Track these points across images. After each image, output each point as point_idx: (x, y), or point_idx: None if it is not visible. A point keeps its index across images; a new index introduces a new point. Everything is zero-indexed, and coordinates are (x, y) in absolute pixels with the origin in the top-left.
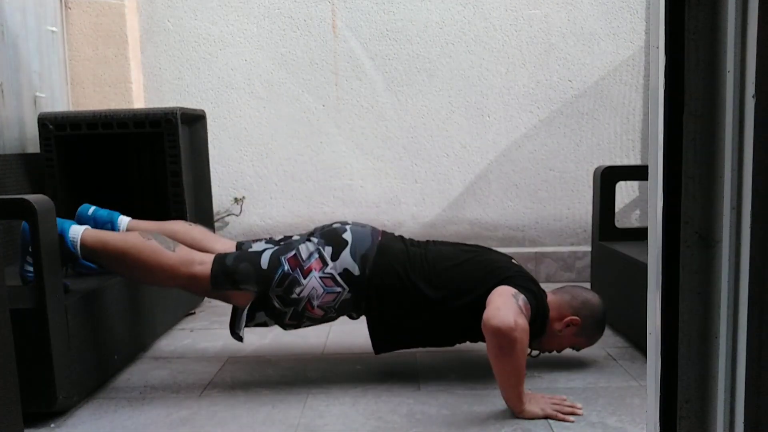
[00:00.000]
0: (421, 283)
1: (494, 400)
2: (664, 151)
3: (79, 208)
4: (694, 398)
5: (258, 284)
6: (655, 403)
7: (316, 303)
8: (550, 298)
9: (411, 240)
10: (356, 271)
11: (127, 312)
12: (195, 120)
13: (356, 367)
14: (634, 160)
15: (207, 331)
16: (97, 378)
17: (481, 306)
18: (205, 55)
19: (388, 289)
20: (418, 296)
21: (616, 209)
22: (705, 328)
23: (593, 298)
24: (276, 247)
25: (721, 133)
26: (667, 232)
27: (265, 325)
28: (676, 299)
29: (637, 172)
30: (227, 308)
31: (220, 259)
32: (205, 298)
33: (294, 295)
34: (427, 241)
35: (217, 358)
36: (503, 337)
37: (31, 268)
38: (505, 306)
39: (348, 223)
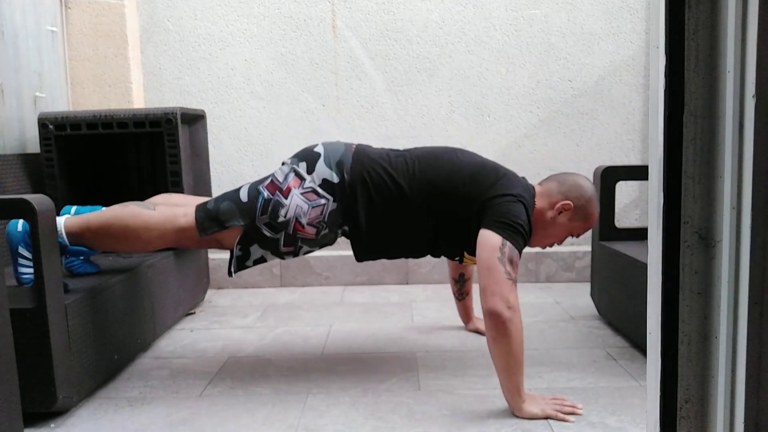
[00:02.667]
0: (402, 181)
1: (494, 400)
2: (664, 151)
3: (61, 211)
4: (694, 398)
5: (243, 217)
6: (655, 403)
7: (304, 221)
8: (538, 189)
9: (393, 148)
10: (335, 178)
11: (127, 312)
12: (195, 120)
13: (356, 367)
14: (634, 160)
15: (207, 331)
16: (97, 378)
17: (464, 213)
18: (205, 55)
19: (370, 188)
20: (399, 195)
21: (616, 209)
22: (705, 328)
23: (581, 179)
24: (252, 181)
25: (721, 133)
26: (667, 232)
27: (263, 260)
28: (676, 299)
29: (637, 172)
30: (227, 308)
31: (200, 206)
32: (206, 298)
33: (281, 218)
34: (414, 147)
35: (217, 358)
36: (496, 318)
37: (24, 270)
38: (495, 284)
39: (319, 142)
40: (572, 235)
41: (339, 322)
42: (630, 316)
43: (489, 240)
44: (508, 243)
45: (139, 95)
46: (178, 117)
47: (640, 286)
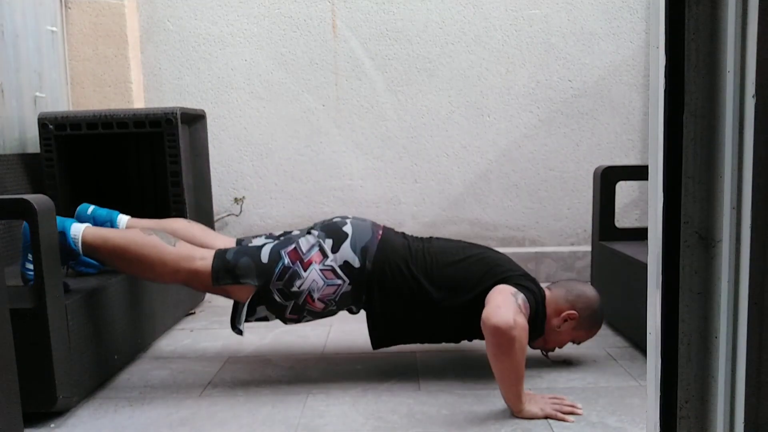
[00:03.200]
0: (422, 277)
1: (494, 400)
2: (664, 151)
3: (78, 208)
4: (694, 398)
5: (259, 278)
6: (655, 403)
7: (316, 296)
8: (546, 294)
9: (412, 236)
10: (356, 263)
11: (127, 312)
12: (195, 120)
13: (356, 367)
14: (634, 160)
15: (207, 331)
16: (97, 378)
17: (481, 304)
18: (205, 55)
19: (389, 282)
20: (419, 291)
21: (616, 209)
22: (705, 328)
23: (588, 289)
24: (276, 242)
25: (721, 133)
26: (667, 232)
27: (266, 319)
28: (676, 299)
29: (637, 172)
30: (227, 308)
31: (220, 254)
32: (206, 298)
33: (294, 288)
34: (430, 237)
35: (217, 358)
36: (502, 335)
37: (31, 267)
38: (504, 304)
39: (348, 217)
40: (574, 342)
41: (339, 322)
42: (630, 316)
43: (501, 287)
44: (521, 294)
45: (139, 95)
46: (178, 117)
47: (640, 286)
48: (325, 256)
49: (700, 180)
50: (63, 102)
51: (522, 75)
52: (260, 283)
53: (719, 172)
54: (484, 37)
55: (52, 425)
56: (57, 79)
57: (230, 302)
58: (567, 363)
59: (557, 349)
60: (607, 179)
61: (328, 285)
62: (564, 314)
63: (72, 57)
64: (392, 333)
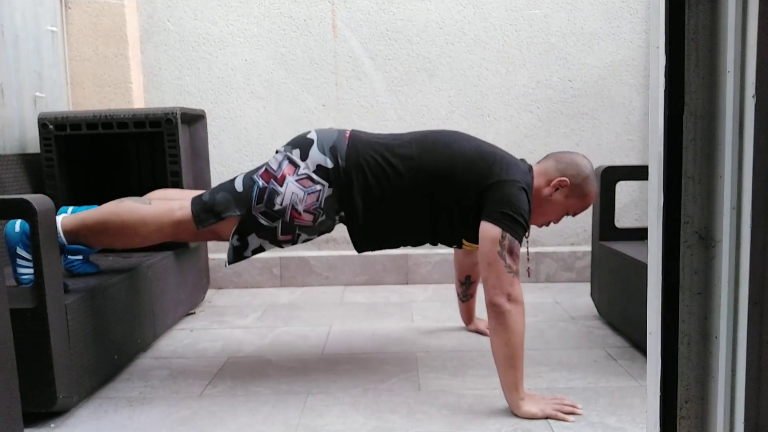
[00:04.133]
0: (401, 164)
1: (494, 400)
2: (664, 151)
3: (58, 211)
4: (694, 398)
5: (239, 207)
6: (655, 403)
7: (301, 208)
8: (535, 168)
9: (384, 133)
10: (329, 163)
11: (127, 312)
12: (195, 120)
13: (356, 367)
14: (634, 160)
15: (207, 331)
16: (97, 378)
17: (471, 205)
18: (205, 55)
19: (367, 173)
20: (398, 180)
21: (616, 209)
22: (705, 328)
23: (578, 157)
24: (247, 171)
25: (721, 133)
26: (667, 232)
27: (261, 249)
28: (676, 299)
29: (637, 172)
30: (227, 308)
31: (196, 198)
32: (206, 298)
33: (277, 206)
34: (401, 133)
35: (217, 358)
36: (496, 309)
37: (23, 270)
38: (497, 282)
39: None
40: (569, 214)
41: (339, 322)
42: (630, 316)
43: (488, 233)
44: (507, 235)
45: (139, 95)
46: (178, 117)
47: (640, 286)
48: (296, 166)
49: (700, 180)
50: (63, 102)
51: (522, 75)
52: (242, 211)
53: (719, 172)
54: (484, 37)
55: (52, 425)
56: (57, 79)
57: (230, 302)
58: (567, 366)
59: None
60: (607, 179)
61: (308, 194)
62: (554, 182)
63: (72, 57)
64: (373, 230)
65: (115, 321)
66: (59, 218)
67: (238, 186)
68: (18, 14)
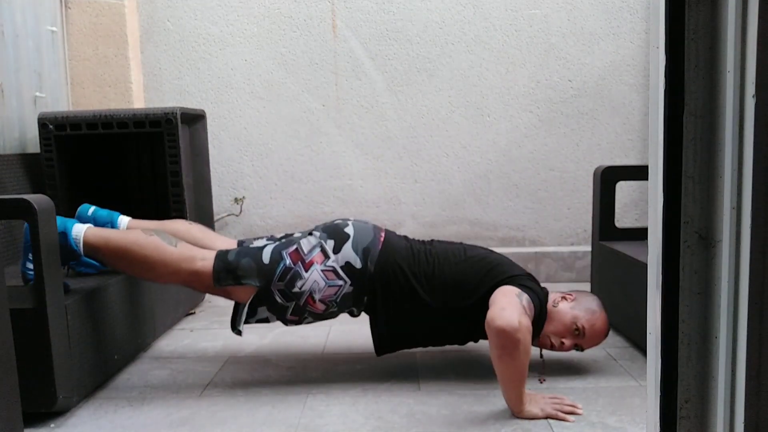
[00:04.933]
0: (424, 279)
1: (494, 400)
2: (664, 151)
3: (79, 208)
4: (694, 398)
5: (260, 279)
6: (655, 403)
7: (317, 297)
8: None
9: (414, 239)
10: (358, 264)
11: (127, 312)
12: (195, 120)
13: (356, 367)
14: (634, 160)
15: (207, 331)
16: (97, 378)
17: (484, 306)
18: (205, 55)
19: (392, 284)
20: (421, 293)
21: (616, 209)
22: (705, 328)
23: (594, 302)
24: (277, 243)
25: (721, 133)
26: (667, 232)
27: (266, 321)
28: (676, 299)
29: (637, 172)
30: (227, 308)
31: (222, 255)
32: (206, 298)
33: (296, 289)
34: (431, 240)
35: (217, 358)
36: (506, 337)
37: (31, 266)
38: (509, 306)
39: (350, 219)
40: (576, 330)
41: (339, 322)
42: (630, 316)
43: (506, 289)
44: (525, 295)
45: (139, 95)
46: (178, 117)
47: (640, 286)
48: (326, 256)
49: (700, 180)
50: (63, 102)
51: (522, 75)
52: (261, 283)
53: (719, 172)
54: (484, 37)
55: (52, 425)
56: (57, 79)
57: (230, 302)
58: (567, 366)
59: (556, 352)
60: (607, 179)
61: (329, 286)
62: (560, 296)
63: (72, 57)
64: (395, 338)
65: (115, 321)
66: (83, 228)
67: (266, 258)
68: (18, 14)
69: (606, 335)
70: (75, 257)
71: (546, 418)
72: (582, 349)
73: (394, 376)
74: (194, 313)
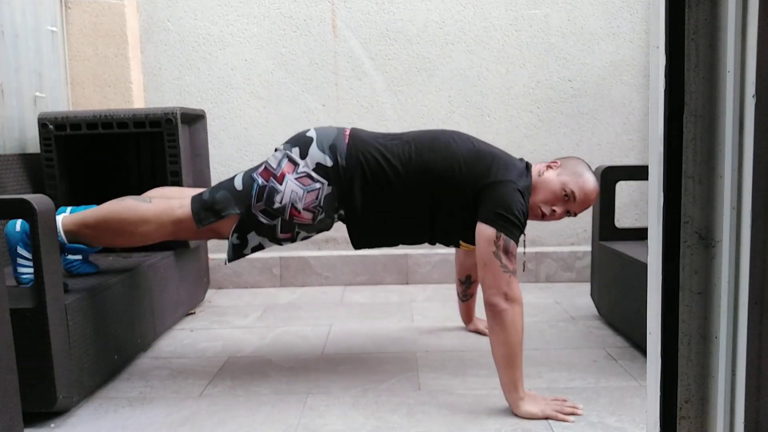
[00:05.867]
0: (399, 163)
1: (494, 401)
2: (664, 151)
3: (57, 212)
4: (694, 398)
5: (239, 205)
6: (655, 403)
7: (300, 206)
8: (534, 169)
9: (382, 132)
10: (328, 162)
11: (127, 312)
12: (195, 120)
13: (356, 367)
14: (634, 160)
15: (207, 331)
16: (97, 378)
17: (470, 205)
18: (205, 55)
19: (367, 173)
20: (396, 180)
21: (616, 209)
22: (705, 328)
23: (581, 166)
24: (246, 170)
25: (721, 133)
26: (667, 232)
27: (261, 247)
28: (676, 299)
29: (637, 172)
30: (227, 308)
31: (196, 196)
32: (206, 298)
33: (276, 204)
34: (401, 132)
35: (217, 358)
36: (494, 308)
37: (23, 270)
38: (492, 278)
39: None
40: (566, 195)
41: (339, 322)
42: (630, 316)
43: (483, 234)
44: (502, 235)
45: (139, 95)
46: (178, 117)
47: (640, 286)
48: (295, 164)
49: (700, 180)
50: (63, 102)
51: (522, 75)
52: (242, 210)
53: (719, 172)
54: (484, 37)
55: (52, 425)
56: (57, 79)
57: (230, 302)
58: (567, 365)
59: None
60: (607, 179)
61: (307, 192)
62: (545, 165)
63: (72, 57)
64: (371, 228)
65: (115, 321)
66: (59, 217)
67: (238, 184)
68: (18, 14)
69: (596, 196)
70: (60, 248)
71: (546, 418)
72: (575, 214)
73: (394, 376)
74: (194, 313)
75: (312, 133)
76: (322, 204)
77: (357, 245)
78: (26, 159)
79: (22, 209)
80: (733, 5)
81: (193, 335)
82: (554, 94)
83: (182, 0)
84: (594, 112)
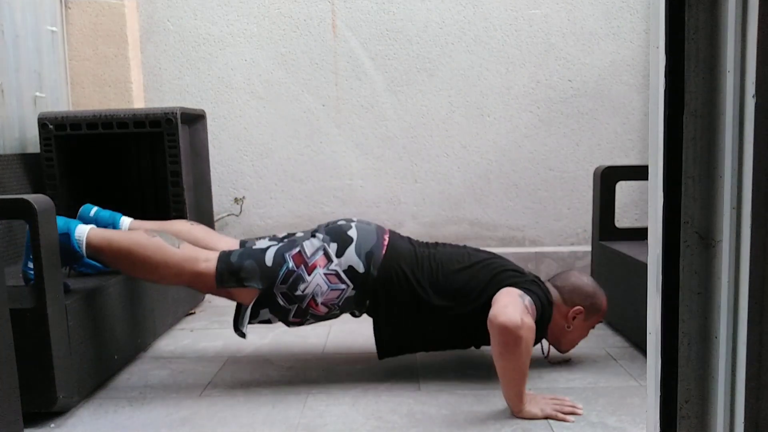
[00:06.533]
0: (428, 284)
1: (494, 400)
2: (664, 151)
3: (81, 209)
4: (694, 398)
5: (263, 281)
6: (655, 403)
7: (320, 300)
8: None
9: (418, 241)
10: (361, 268)
11: (127, 312)
12: (195, 120)
13: (356, 367)
14: (634, 160)
15: (207, 331)
16: (97, 378)
17: (487, 311)
18: (205, 55)
19: (395, 289)
20: (424, 298)
21: (616, 209)
22: (705, 328)
23: (574, 278)
24: (280, 244)
25: (721, 133)
26: (667, 232)
27: (268, 322)
28: (676, 299)
29: (637, 172)
30: (227, 308)
31: (224, 256)
32: (206, 298)
33: (298, 292)
34: (435, 243)
35: (217, 358)
36: (509, 334)
37: (32, 265)
38: (512, 304)
39: (353, 220)
40: (592, 327)
41: (339, 322)
42: (630, 316)
43: (510, 289)
44: (527, 296)
45: (139, 95)
46: (178, 117)
47: (640, 286)
48: (329, 260)
49: (700, 180)
50: (63, 102)
51: (522, 75)
52: (264, 286)
53: (719, 172)
54: (484, 37)
55: (52, 425)
56: (57, 79)
57: (231, 302)
58: (567, 362)
59: (561, 350)
60: (607, 179)
61: (332, 289)
62: (570, 314)
63: (72, 57)
64: (398, 342)
65: (115, 321)
66: (86, 229)
67: (269, 260)
68: (18, 14)
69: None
70: (77, 259)
71: (546, 418)
72: None
73: (394, 376)
74: (194, 313)
75: (353, 233)
76: (340, 304)
77: (381, 356)
78: (26, 159)
79: (22, 209)
80: (733, 5)
81: (193, 335)
82: (554, 94)
83: (182, 0)
84: (594, 112)
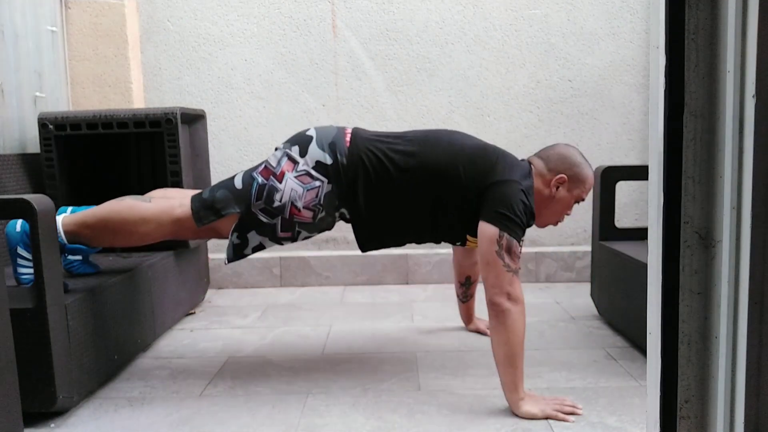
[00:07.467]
0: (402, 161)
1: (494, 401)
2: (664, 151)
3: (57, 211)
4: (694, 398)
5: (239, 204)
6: (655, 403)
7: (300, 204)
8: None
9: (384, 131)
10: (328, 159)
11: (127, 312)
12: (195, 120)
13: (356, 367)
14: (634, 160)
15: (207, 331)
16: (97, 378)
17: (473, 204)
18: (205, 55)
19: (369, 172)
20: (399, 176)
21: (616, 209)
22: (705, 328)
23: (562, 148)
24: (246, 169)
25: (721, 133)
26: (667, 232)
27: (262, 247)
28: (676, 299)
29: (637, 172)
30: (227, 308)
31: (196, 196)
32: (206, 298)
33: (276, 203)
34: (403, 131)
35: (217, 358)
36: (495, 309)
37: (23, 270)
38: (495, 277)
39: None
40: (577, 202)
41: (339, 322)
42: (630, 316)
43: (486, 233)
44: (505, 234)
45: (139, 95)
46: (178, 117)
47: (640, 286)
48: (295, 162)
49: (700, 180)
50: (63, 102)
51: (522, 75)
52: (242, 208)
53: (719, 172)
54: (484, 37)
55: (52, 425)
56: (57, 79)
57: (230, 302)
58: (567, 366)
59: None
60: (607, 179)
61: (307, 190)
62: (553, 182)
63: (72, 57)
64: (377, 228)
65: (115, 321)
66: (59, 218)
67: (238, 183)
68: (18, 14)
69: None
70: (60, 248)
71: (546, 418)
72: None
73: (394, 376)
74: (194, 313)
75: (312, 132)
76: (322, 202)
77: (364, 247)
78: (26, 159)
79: (22, 209)
80: (733, 5)
81: (193, 335)
82: (554, 94)
83: (182, 0)
84: (594, 112)
